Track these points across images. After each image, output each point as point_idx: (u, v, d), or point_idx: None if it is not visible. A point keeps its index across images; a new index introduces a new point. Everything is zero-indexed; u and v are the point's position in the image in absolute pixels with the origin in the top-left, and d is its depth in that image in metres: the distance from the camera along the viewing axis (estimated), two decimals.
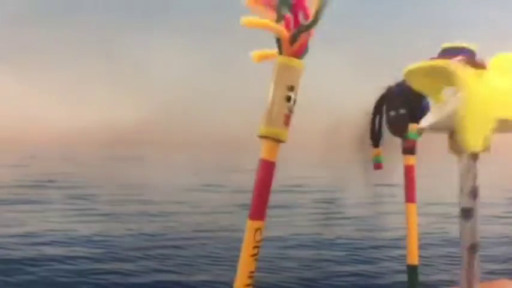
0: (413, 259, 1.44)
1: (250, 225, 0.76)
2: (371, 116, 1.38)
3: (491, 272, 3.63)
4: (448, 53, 0.76)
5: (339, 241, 4.78)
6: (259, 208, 0.76)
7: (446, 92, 0.80)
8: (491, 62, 0.79)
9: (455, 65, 0.71)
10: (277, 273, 3.61)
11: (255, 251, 0.77)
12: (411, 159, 1.39)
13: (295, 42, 0.75)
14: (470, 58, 0.74)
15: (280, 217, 6.31)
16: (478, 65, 0.73)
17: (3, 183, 9.83)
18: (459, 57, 0.73)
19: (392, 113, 1.34)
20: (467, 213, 0.76)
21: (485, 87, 0.70)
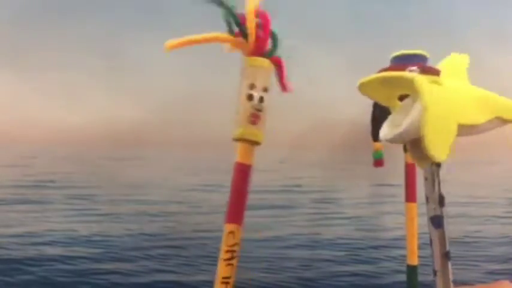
0: (413, 259, 1.44)
1: (225, 228, 0.76)
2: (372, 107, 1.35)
3: (491, 272, 3.63)
4: (400, 60, 0.76)
5: (338, 241, 4.78)
6: (233, 211, 0.76)
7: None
8: (441, 66, 0.78)
9: (412, 74, 0.70)
10: (276, 273, 3.61)
11: (228, 255, 0.75)
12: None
13: (247, 41, 0.74)
14: (424, 65, 0.74)
15: (279, 217, 6.31)
16: (432, 72, 0.72)
17: (3, 183, 9.83)
18: (413, 67, 0.72)
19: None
20: (436, 222, 0.77)
21: (442, 93, 0.69)
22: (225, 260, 0.74)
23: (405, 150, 1.37)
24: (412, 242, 1.43)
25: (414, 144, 0.74)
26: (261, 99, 0.74)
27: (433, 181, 0.76)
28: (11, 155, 26.76)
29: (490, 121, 0.72)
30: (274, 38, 0.76)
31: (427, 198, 0.77)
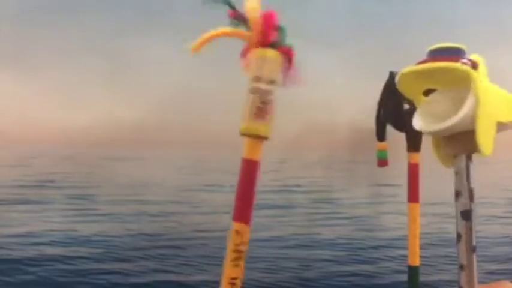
0: (415, 260, 1.43)
1: (232, 227, 0.73)
2: (377, 105, 1.32)
3: (492, 272, 3.63)
4: (438, 54, 0.74)
5: (338, 241, 4.78)
6: (239, 209, 0.73)
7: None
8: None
9: (467, 67, 0.70)
10: (276, 273, 3.61)
11: (234, 255, 0.72)
12: (416, 157, 1.34)
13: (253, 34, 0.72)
14: (472, 60, 0.72)
15: (280, 217, 6.31)
16: (475, 67, 0.71)
17: (3, 183, 9.83)
18: (465, 59, 0.71)
19: (395, 105, 1.26)
20: (467, 215, 0.77)
21: (487, 90, 0.70)
22: (232, 260, 0.72)
23: (409, 149, 1.35)
24: (414, 243, 1.42)
25: (450, 138, 0.75)
26: (268, 93, 0.72)
27: (467, 175, 0.77)
28: (11, 155, 26.76)
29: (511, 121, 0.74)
30: (281, 28, 0.73)
31: (457, 193, 0.77)
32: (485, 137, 0.69)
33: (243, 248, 0.72)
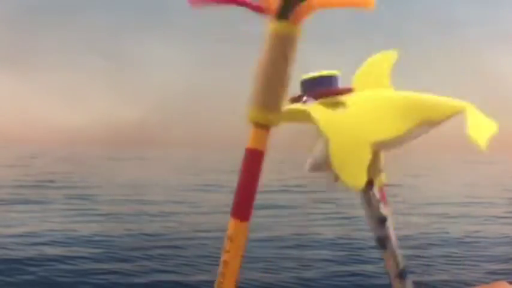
0: None
1: (230, 224, 0.66)
2: None
3: (492, 272, 3.62)
4: (310, 85, 0.70)
5: (338, 241, 4.78)
6: (239, 204, 0.66)
7: None
8: (360, 73, 0.74)
9: (305, 107, 0.66)
10: (276, 273, 3.61)
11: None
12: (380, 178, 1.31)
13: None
14: (322, 90, 0.69)
15: (280, 217, 6.31)
16: (335, 92, 0.67)
17: (3, 183, 9.83)
18: (306, 97, 0.68)
19: None
20: (382, 242, 0.74)
21: (347, 116, 0.64)
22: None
23: None
24: None
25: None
26: (286, 75, 0.62)
27: (367, 204, 0.73)
28: (11, 155, 26.75)
29: (417, 127, 0.64)
30: None
31: (369, 220, 0.75)
32: (348, 171, 0.62)
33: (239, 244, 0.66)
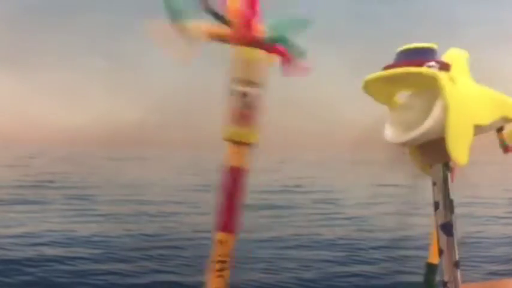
0: (435, 258, 1.41)
1: (215, 236, 0.68)
2: None
3: (493, 273, 3.61)
4: (407, 56, 0.69)
5: (339, 241, 4.76)
6: (223, 218, 0.67)
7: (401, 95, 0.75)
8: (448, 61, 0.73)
9: (433, 71, 0.65)
10: (276, 273, 3.60)
11: (218, 266, 0.68)
12: None
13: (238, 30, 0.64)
14: (442, 61, 0.68)
15: (280, 217, 6.29)
16: (446, 68, 0.67)
17: (2, 183, 9.81)
18: (432, 62, 0.67)
19: None
20: (447, 229, 0.72)
21: (460, 93, 0.65)
22: (216, 271, 0.68)
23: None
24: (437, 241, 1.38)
25: (424, 147, 0.70)
26: (251, 96, 0.64)
27: (445, 186, 0.72)
28: (10, 155, 26.75)
29: (495, 121, 0.69)
30: (273, 25, 0.66)
31: (436, 205, 0.72)
32: (458, 145, 0.63)
33: (227, 258, 0.68)
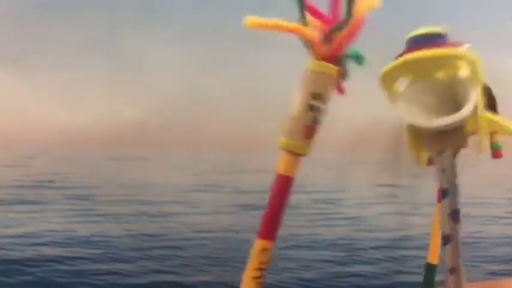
0: (435, 258, 1.40)
1: (257, 244, 0.68)
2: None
3: (493, 273, 3.61)
4: (417, 42, 0.69)
5: (339, 241, 4.76)
6: (269, 226, 0.69)
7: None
8: None
9: (471, 54, 0.65)
10: (277, 273, 3.59)
11: (258, 273, 0.68)
12: None
13: (327, 43, 0.65)
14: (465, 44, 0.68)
15: None
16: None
17: (2, 184, 9.81)
18: (467, 45, 0.66)
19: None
20: (456, 216, 0.72)
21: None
22: (254, 278, 0.68)
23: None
24: (437, 241, 1.38)
25: (437, 135, 0.70)
26: (322, 112, 0.66)
27: (454, 172, 0.71)
28: (10, 155, 26.75)
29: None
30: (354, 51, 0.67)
31: (444, 192, 0.72)
32: (486, 130, 0.64)
33: (266, 266, 0.68)
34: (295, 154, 0.67)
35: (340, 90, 0.72)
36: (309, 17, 0.65)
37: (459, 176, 0.71)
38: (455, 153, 0.71)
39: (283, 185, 0.68)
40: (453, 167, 0.71)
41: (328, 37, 0.65)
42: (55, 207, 6.89)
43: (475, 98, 0.64)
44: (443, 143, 0.70)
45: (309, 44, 0.66)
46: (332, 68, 0.66)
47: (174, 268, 3.70)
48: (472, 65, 0.64)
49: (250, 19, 0.64)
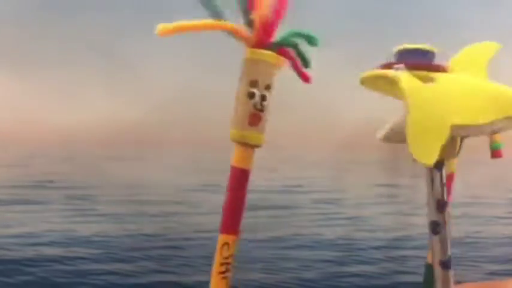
0: None
1: (219, 239, 0.69)
2: None
3: (493, 273, 3.61)
4: (402, 56, 0.70)
5: (339, 241, 4.76)
6: (228, 220, 0.69)
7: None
8: (458, 56, 0.74)
9: (395, 73, 0.66)
10: (276, 273, 3.60)
11: (222, 268, 0.69)
12: (451, 164, 1.28)
13: (250, 29, 0.65)
14: (415, 62, 0.68)
15: (280, 217, 6.29)
16: (427, 68, 0.68)
17: (2, 183, 9.81)
18: (399, 65, 0.68)
19: None
20: (435, 227, 0.73)
21: (433, 93, 0.65)
22: (220, 273, 0.69)
23: None
24: None
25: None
26: (263, 98, 0.66)
27: (430, 184, 0.72)
28: (9, 154, 26.74)
29: (499, 120, 0.65)
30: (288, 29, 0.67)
31: (427, 202, 0.73)
32: (421, 146, 0.63)
33: (231, 260, 0.69)
34: (246, 145, 0.67)
35: (305, 78, 0.72)
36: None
37: (443, 190, 0.72)
38: (436, 165, 0.71)
39: (238, 177, 0.68)
40: (430, 178, 0.72)
41: (248, 23, 0.65)
42: (55, 207, 6.89)
43: (397, 117, 0.68)
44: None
45: (233, 34, 0.66)
46: (264, 54, 0.65)
47: (174, 268, 3.70)
48: (393, 83, 0.66)
49: (161, 26, 0.63)
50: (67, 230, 5.00)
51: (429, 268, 1.40)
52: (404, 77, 0.65)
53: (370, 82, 0.74)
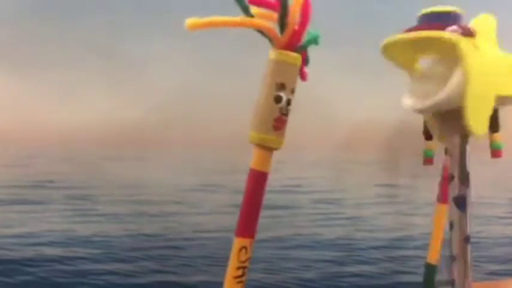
0: (434, 258, 1.41)
1: (235, 242, 0.68)
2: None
3: (493, 273, 3.61)
4: (429, 19, 0.67)
5: (339, 241, 4.76)
6: (246, 223, 0.69)
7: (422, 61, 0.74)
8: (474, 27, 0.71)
9: (454, 36, 0.63)
10: (276, 274, 3.59)
11: (239, 272, 0.69)
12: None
13: (282, 31, 0.64)
14: (465, 27, 0.66)
15: (280, 217, 6.29)
16: (470, 34, 0.65)
17: (2, 183, 9.81)
18: (454, 26, 0.65)
19: None
20: (460, 202, 0.72)
21: (482, 60, 0.63)
22: (236, 277, 0.68)
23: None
24: (437, 241, 1.39)
25: (444, 116, 0.69)
26: (289, 102, 0.65)
27: (460, 156, 0.71)
28: (9, 154, 26.73)
29: None
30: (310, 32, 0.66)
31: (451, 177, 0.71)
32: (477, 115, 0.62)
33: (247, 264, 0.69)
34: (267, 148, 0.67)
35: (303, 76, 0.71)
36: (257, 9, 0.64)
37: (468, 163, 0.69)
38: (464, 137, 0.70)
39: (257, 181, 0.68)
40: (460, 152, 0.70)
41: (281, 24, 0.64)
42: (55, 207, 6.89)
43: (454, 82, 0.62)
44: (449, 127, 0.69)
45: (266, 34, 0.65)
46: (293, 57, 0.65)
47: (174, 268, 3.70)
48: (454, 46, 0.63)
49: (191, 20, 0.62)
50: (67, 230, 4.99)
51: (429, 268, 1.40)
52: (463, 41, 0.63)
53: (397, 48, 0.70)
